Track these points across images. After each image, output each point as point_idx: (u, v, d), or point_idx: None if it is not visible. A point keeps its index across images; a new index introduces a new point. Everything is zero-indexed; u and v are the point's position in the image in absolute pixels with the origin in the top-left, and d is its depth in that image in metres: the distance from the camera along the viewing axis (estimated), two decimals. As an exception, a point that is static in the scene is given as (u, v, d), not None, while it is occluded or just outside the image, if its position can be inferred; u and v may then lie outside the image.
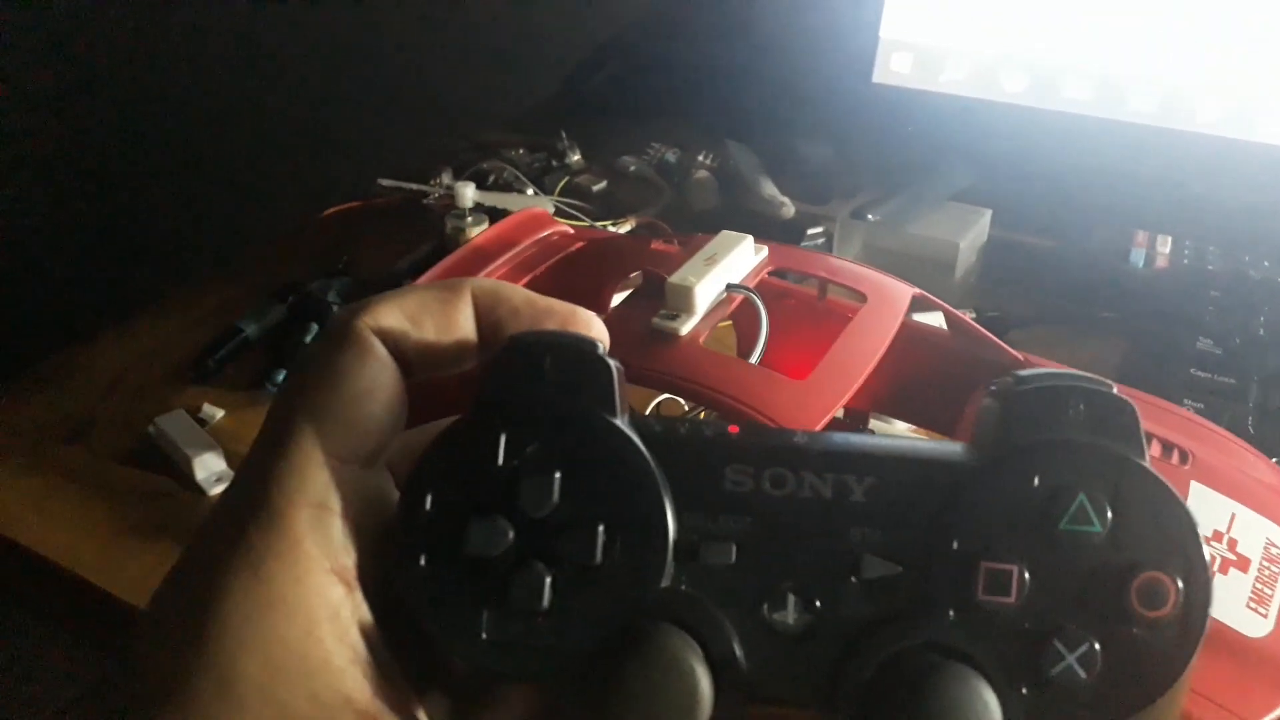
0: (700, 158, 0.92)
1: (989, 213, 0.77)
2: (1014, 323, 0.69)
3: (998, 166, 0.81)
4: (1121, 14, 0.77)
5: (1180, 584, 0.21)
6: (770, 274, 0.48)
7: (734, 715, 0.21)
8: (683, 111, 0.99)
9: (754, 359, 0.42)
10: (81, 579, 0.54)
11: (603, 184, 0.90)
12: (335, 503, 0.21)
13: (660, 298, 0.43)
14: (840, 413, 0.41)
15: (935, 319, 0.49)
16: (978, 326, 0.48)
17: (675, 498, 0.22)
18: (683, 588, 0.21)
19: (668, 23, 1.07)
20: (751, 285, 0.45)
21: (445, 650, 0.22)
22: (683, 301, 0.43)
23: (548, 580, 0.21)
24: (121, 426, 0.65)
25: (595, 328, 0.24)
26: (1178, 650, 0.21)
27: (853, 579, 0.22)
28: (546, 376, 0.22)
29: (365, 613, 0.21)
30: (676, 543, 0.22)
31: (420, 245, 0.79)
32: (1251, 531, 0.41)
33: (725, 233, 0.47)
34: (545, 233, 0.54)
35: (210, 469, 0.60)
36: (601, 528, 0.21)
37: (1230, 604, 0.38)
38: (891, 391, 0.48)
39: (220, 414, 0.65)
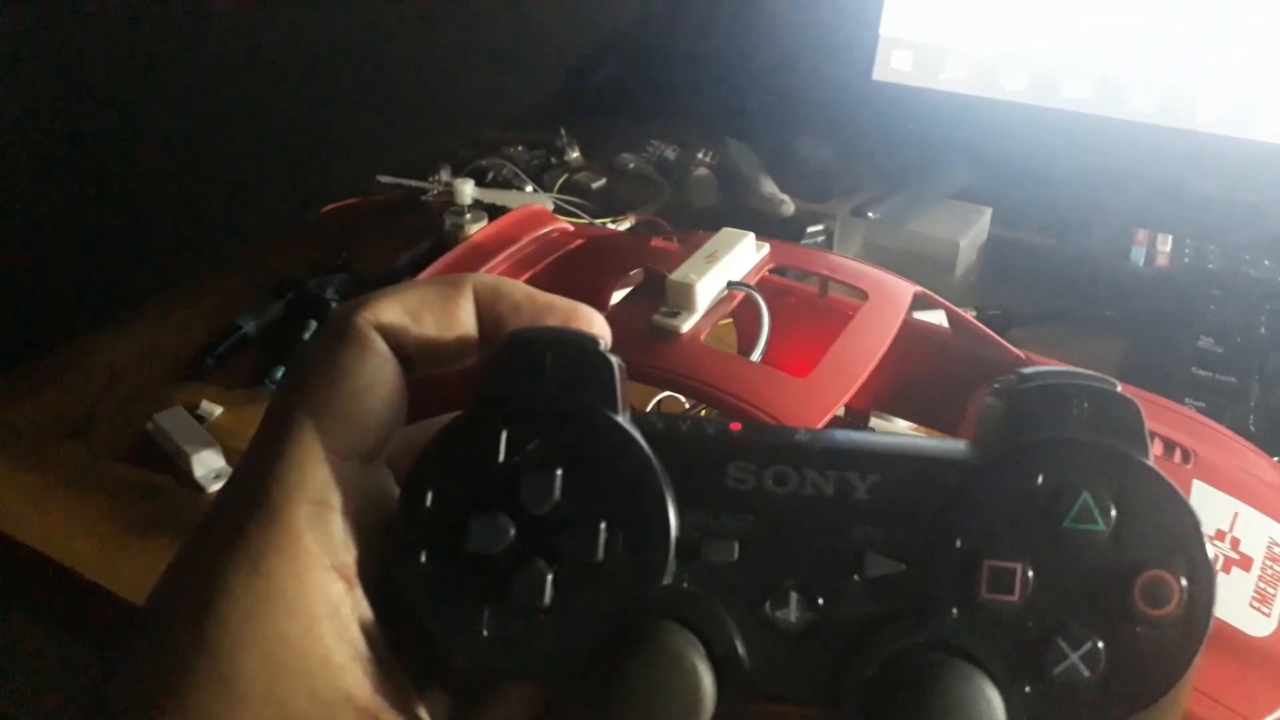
0: (700, 155, 0.92)
1: (989, 211, 0.77)
2: (1015, 321, 0.69)
3: (998, 165, 0.81)
4: (1122, 13, 0.76)
5: (1184, 583, 0.21)
6: (771, 271, 0.48)
7: (736, 713, 0.21)
8: (682, 109, 0.99)
9: (755, 357, 0.42)
10: (79, 576, 0.54)
11: (602, 181, 0.90)
12: (335, 499, 0.21)
13: (661, 295, 0.43)
14: (841, 411, 0.41)
15: (937, 317, 0.49)
16: (980, 325, 0.48)
17: (677, 495, 0.22)
18: (685, 585, 0.21)
19: (667, 20, 1.07)
20: (752, 283, 0.45)
21: (446, 648, 0.21)
22: (684, 299, 0.43)
23: (549, 577, 0.21)
24: (120, 423, 0.65)
25: (597, 324, 0.24)
26: (1181, 649, 0.21)
27: (855, 577, 0.21)
28: (548, 373, 0.22)
29: (365, 610, 0.21)
30: (678, 540, 0.21)
31: (419, 242, 0.79)
32: (1254, 530, 0.41)
33: (726, 230, 0.47)
34: (545, 230, 0.53)
35: (209, 466, 0.60)
36: (603, 525, 0.21)
37: (1233, 603, 0.38)
38: (893, 390, 0.48)
39: (219, 411, 0.65)
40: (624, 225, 0.82)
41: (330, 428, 0.22)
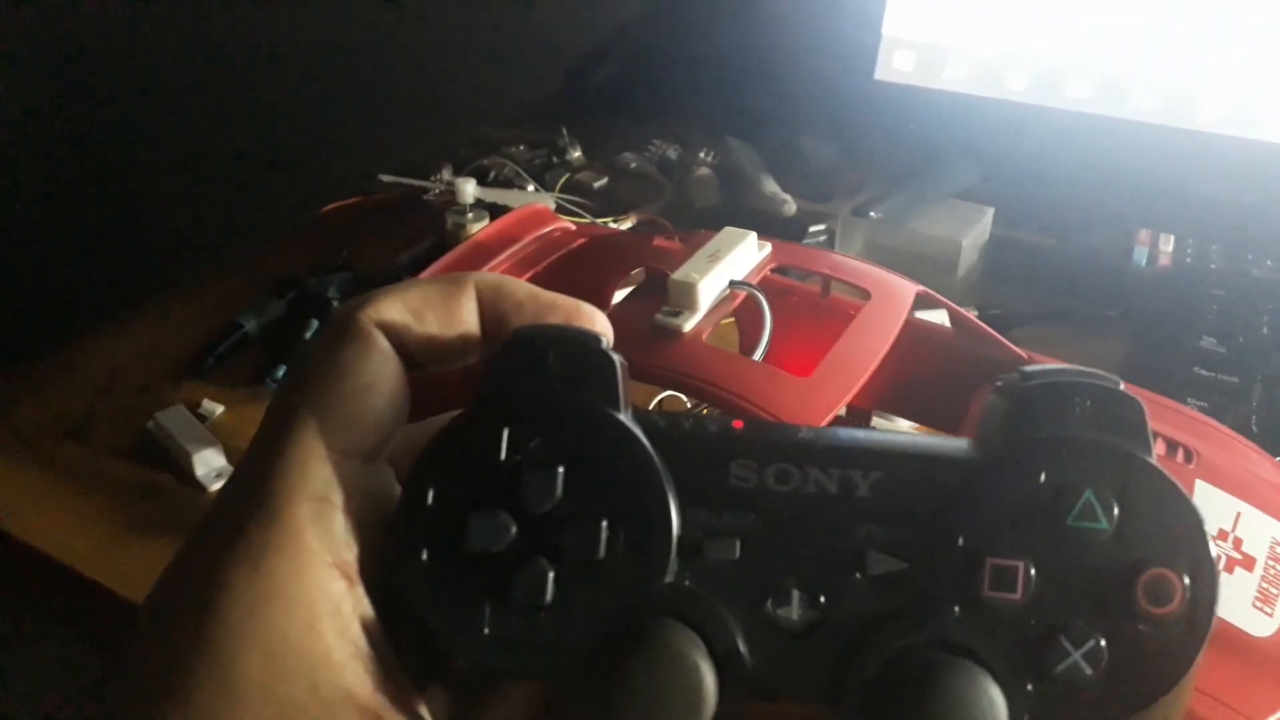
0: (701, 155, 0.92)
1: (991, 211, 0.77)
2: (1016, 321, 0.69)
3: (1000, 164, 0.81)
4: (1124, 12, 0.76)
5: (1186, 581, 0.21)
6: (773, 271, 0.48)
7: (738, 712, 0.21)
8: (684, 108, 0.98)
9: (757, 356, 0.41)
10: (80, 575, 0.54)
11: (603, 181, 0.90)
12: (336, 497, 0.21)
13: (663, 295, 0.43)
14: (843, 410, 0.41)
15: (939, 317, 0.49)
16: (982, 324, 0.48)
17: (679, 493, 0.22)
18: (686, 583, 0.21)
19: (669, 19, 1.07)
20: (755, 282, 0.45)
21: (446, 646, 0.21)
22: (686, 298, 0.43)
23: (550, 576, 0.21)
24: (121, 422, 0.65)
25: (599, 323, 0.24)
26: (1184, 647, 0.21)
27: (858, 575, 0.21)
28: (550, 371, 0.22)
29: (366, 608, 0.21)
30: (680, 538, 0.21)
31: (420, 241, 0.79)
32: (1257, 530, 0.41)
33: (728, 229, 0.47)
34: (547, 229, 0.53)
35: (210, 465, 0.60)
36: (605, 523, 0.21)
37: (1235, 603, 0.38)
38: (895, 389, 0.47)
39: (220, 410, 0.65)
40: (626, 224, 0.82)
41: (332, 425, 0.22)
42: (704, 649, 0.21)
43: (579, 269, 0.51)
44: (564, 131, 0.94)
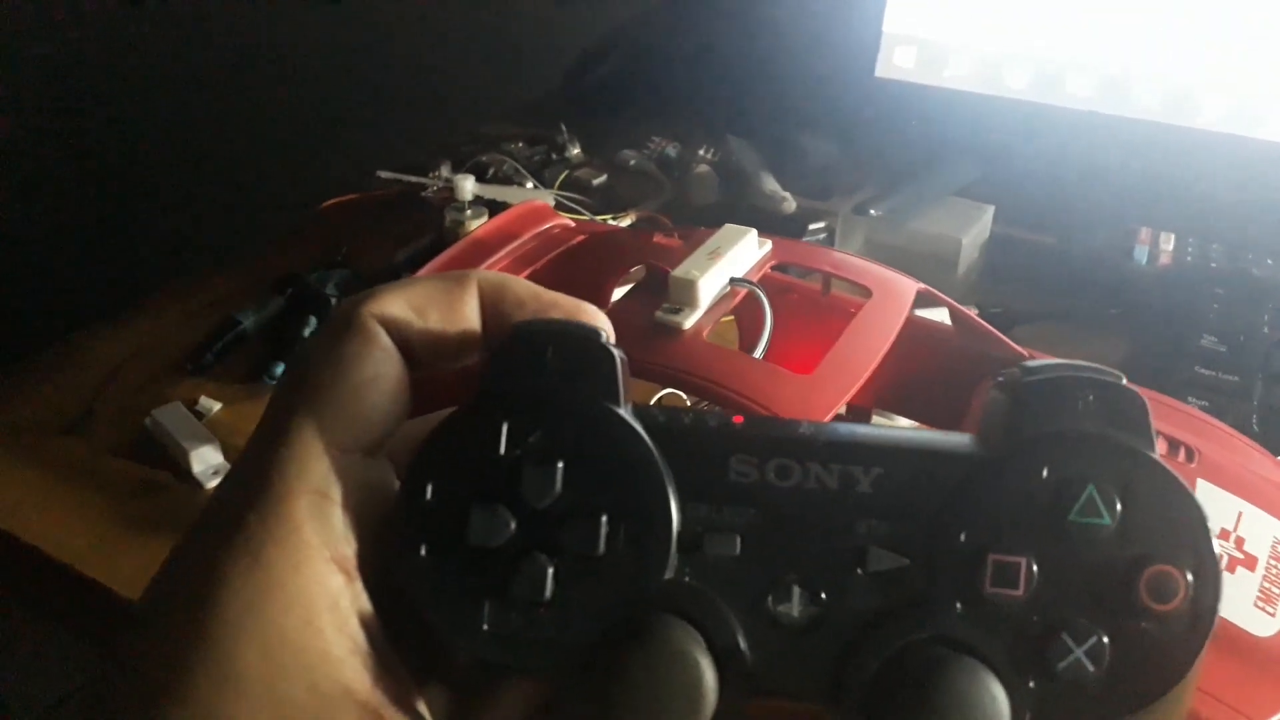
0: (701, 152, 0.92)
1: (992, 209, 0.77)
2: (1017, 319, 0.69)
3: (1001, 162, 0.81)
4: (1125, 10, 0.76)
5: (1190, 578, 0.20)
6: (773, 268, 0.48)
7: (738, 708, 0.21)
8: (683, 105, 0.98)
9: (758, 354, 0.41)
10: (77, 572, 0.54)
11: (603, 178, 0.90)
12: (336, 491, 0.21)
13: (663, 292, 0.43)
14: (843, 409, 0.41)
15: (939, 315, 0.49)
16: (983, 322, 0.48)
17: (679, 488, 0.21)
18: (686, 579, 0.21)
19: (669, 17, 1.07)
20: (755, 279, 0.45)
21: (445, 642, 0.21)
22: (686, 295, 0.42)
23: (550, 571, 0.21)
24: (118, 419, 0.65)
25: (601, 323, 0.24)
26: (1187, 644, 0.21)
27: (859, 571, 0.21)
28: (550, 365, 0.22)
29: (365, 603, 0.21)
30: (680, 534, 0.21)
31: (419, 238, 0.79)
32: (1259, 530, 0.40)
33: (729, 226, 0.47)
34: (546, 226, 0.53)
35: (207, 462, 0.59)
36: (604, 518, 0.21)
37: (1237, 603, 0.38)
38: (895, 387, 0.47)
39: (217, 407, 0.65)
40: (625, 222, 0.82)
41: (332, 420, 0.21)
42: (704, 645, 0.21)
43: (578, 266, 0.51)
44: (563, 128, 0.94)
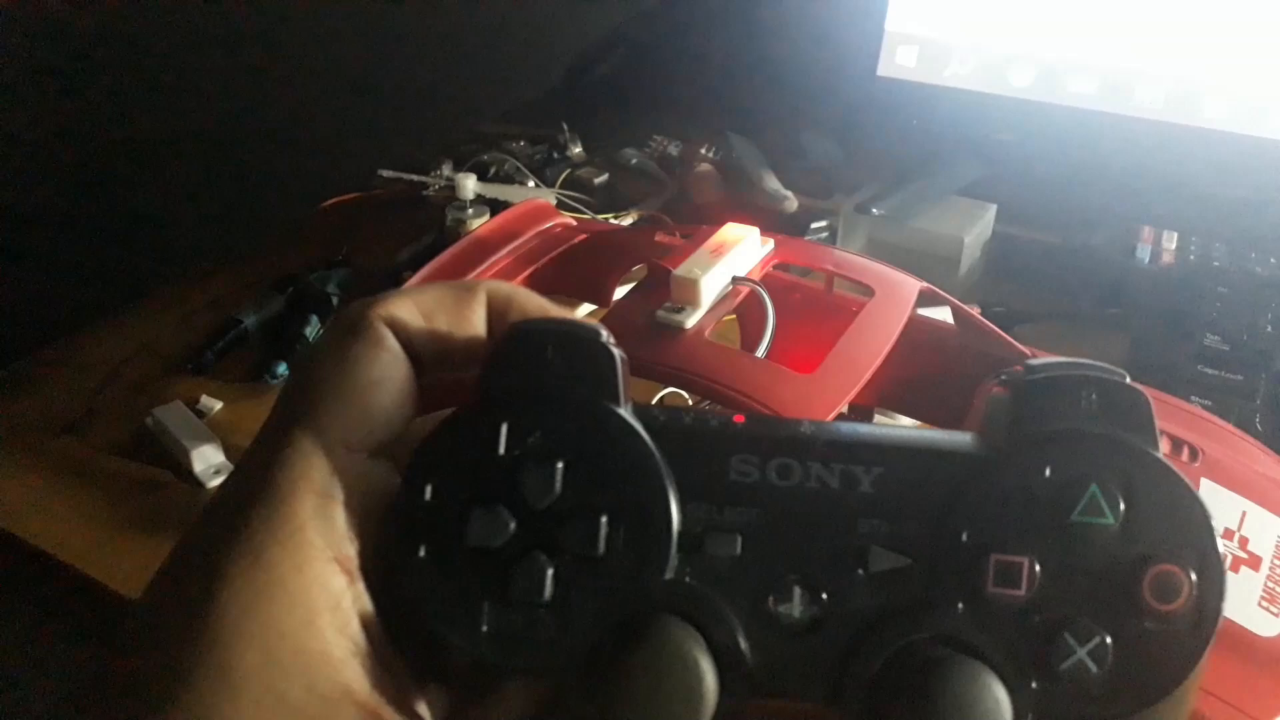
0: (703, 151, 0.91)
1: (994, 207, 0.77)
2: (1019, 318, 0.68)
3: (1003, 161, 0.80)
4: (1128, 8, 0.76)
5: (1193, 577, 0.20)
6: (775, 267, 0.47)
7: (739, 709, 0.21)
8: (685, 104, 0.98)
9: (760, 353, 0.41)
10: (78, 572, 0.54)
11: (604, 176, 0.90)
12: (339, 492, 0.21)
13: (664, 291, 0.43)
14: (845, 408, 0.41)
15: (941, 314, 0.49)
16: (986, 321, 0.48)
17: (679, 488, 0.21)
18: (687, 580, 0.21)
19: (670, 15, 1.07)
20: (757, 278, 0.45)
21: (445, 643, 0.21)
22: (688, 294, 0.42)
23: (549, 572, 0.21)
24: (119, 418, 0.64)
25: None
26: (1190, 644, 0.20)
27: (860, 571, 0.21)
28: (549, 365, 0.22)
29: (366, 604, 0.21)
30: (681, 534, 0.21)
31: (421, 237, 0.79)
32: (1262, 529, 0.40)
33: (731, 224, 0.47)
34: (548, 225, 0.53)
35: (208, 461, 0.59)
36: (604, 518, 0.21)
37: (1241, 603, 0.38)
38: (898, 386, 0.47)
39: (218, 406, 0.65)
40: (627, 220, 0.81)
41: (338, 421, 0.22)
42: (705, 646, 0.20)
43: (580, 265, 0.51)
44: (565, 127, 0.94)
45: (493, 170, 0.88)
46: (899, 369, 0.44)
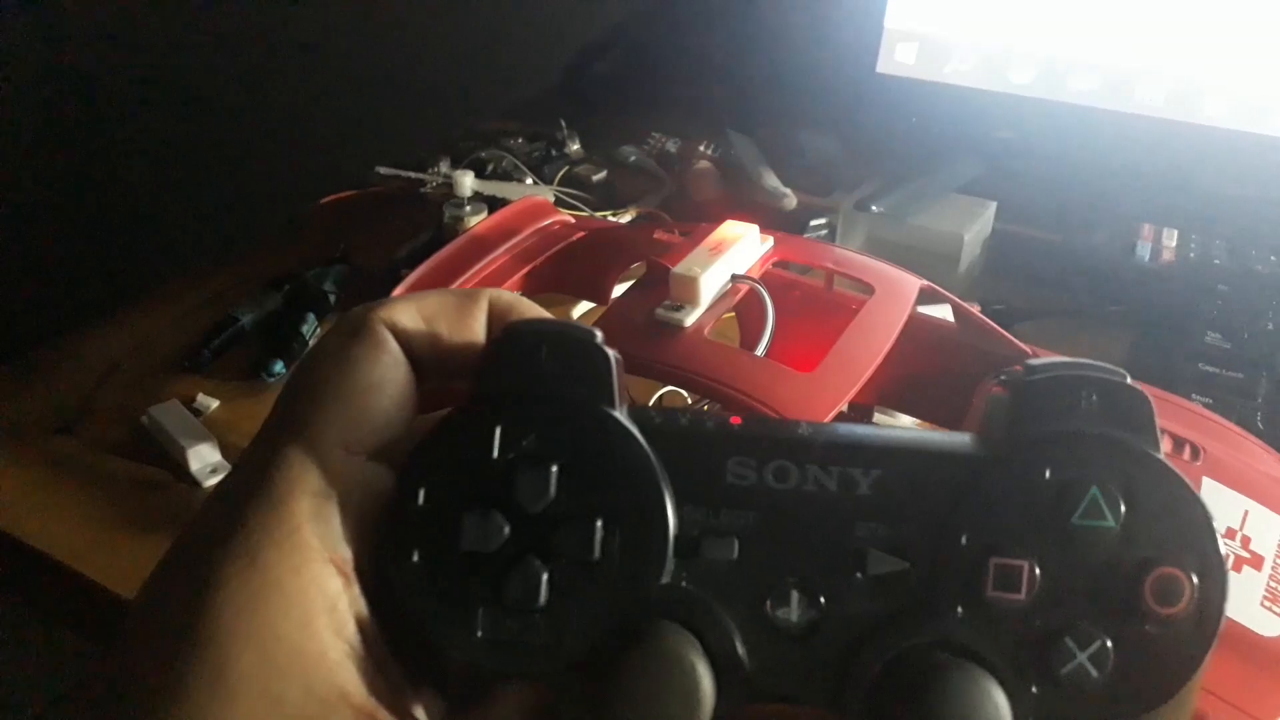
0: (701, 148, 0.91)
1: (994, 205, 0.77)
2: (1019, 316, 0.68)
3: (1003, 158, 0.80)
4: (1129, 5, 0.76)
5: (1195, 580, 0.20)
6: (775, 265, 0.47)
7: (736, 714, 0.21)
8: (684, 101, 0.98)
9: (760, 351, 0.41)
10: (73, 571, 0.54)
11: (602, 174, 0.90)
12: (337, 493, 0.21)
13: (663, 288, 0.43)
14: (845, 406, 0.40)
15: (941, 312, 0.48)
16: (986, 319, 0.47)
17: (676, 491, 0.21)
18: (684, 584, 0.21)
19: (669, 12, 1.06)
20: (757, 276, 0.45)
21: (439, 648, 0.21)
22: (687, 292, 0.42)
23: (544, 577, 0.21)
24: (114, 417, 0.64)
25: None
26: (1192, 648, 0.20)
27: (858, 575, 0.21)
28: (543, 367, 0.21)
29: (362, 606, 0.21)
30: (677, 538, 0.21)
31: (418, 234, 0.79)
32: (1265, 529, 0.40)
33: (730, 222, 0.46)
34: (546, 222, 0.53)
35: (205, 460, 0.59)
36: (600, 523, 0.21)
37: (1244, 602, 0.38)
38: (898, 385, 0.47)
39: (215, 404, 0.65)
40: (625, 218, 0.81)
41: (337, 423, 0.21)
42: (701, 651, 0.20)
43: (578, 263, 0.51)
44: (563, 124, 0.93)
45: (491, 167, 0.88)
46: (899, 367, 0.44)
